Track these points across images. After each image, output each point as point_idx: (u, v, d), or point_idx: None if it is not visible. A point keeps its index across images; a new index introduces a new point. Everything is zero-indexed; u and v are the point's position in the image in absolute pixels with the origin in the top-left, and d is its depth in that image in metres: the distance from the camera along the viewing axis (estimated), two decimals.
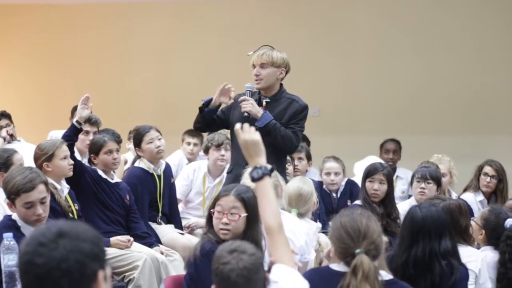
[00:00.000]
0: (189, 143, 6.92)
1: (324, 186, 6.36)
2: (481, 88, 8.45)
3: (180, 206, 5.83)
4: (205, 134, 6.46)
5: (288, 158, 5.48)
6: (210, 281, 2.60)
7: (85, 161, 5.22)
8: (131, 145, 6.20)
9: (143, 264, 4.68)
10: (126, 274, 4.70)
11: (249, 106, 4.78)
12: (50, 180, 4.00)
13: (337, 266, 2.88)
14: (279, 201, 3.68)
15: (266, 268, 2.65)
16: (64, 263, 1.76)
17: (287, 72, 4.96)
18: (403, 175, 7.37)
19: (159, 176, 5.35)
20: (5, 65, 9.09)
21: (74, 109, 6.63)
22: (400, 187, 7.21)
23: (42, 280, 1.76)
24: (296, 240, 3.86)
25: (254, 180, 2.85)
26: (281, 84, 4.98)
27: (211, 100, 4.92)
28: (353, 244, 2.80)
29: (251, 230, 3.44)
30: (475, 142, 8.22)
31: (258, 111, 4.78)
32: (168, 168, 5.50)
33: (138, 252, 4.78)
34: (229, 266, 2.53)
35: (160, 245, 5.10)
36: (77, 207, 4.65)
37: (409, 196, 6.12)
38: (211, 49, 8.73)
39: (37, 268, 1.76)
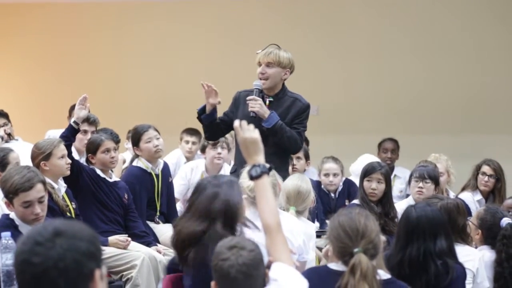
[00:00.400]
0: (187, 142, 6.93)
1: (322, 186, 6.35)
2: (480, 88, 8.46)
3: (178, 205, 5.83)
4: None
5: None
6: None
7: (82, 160, 5.22)
8: (129, 145, 6.20)
9: (141, 263, 4.68)
10: (124, 273, 4.71)
11: (258, 106, 4.75)
12: (47, 179, 3.99)
13: (335, 266, 2.88)
14: (277, 200, 3.67)
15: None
16: (61, 262, 1.76)
17: (291, 73, 4.95)
18: (401, 174, 7.37)
19: (157, 175, 5.35)
20: (1, 65, 9.08)
21: (72, 108, 6.61)
22: (398, 186, 7.22)
23: (38, 279, 1.76)
24: (294, 240, 3.85)
25: (252, 178, 2.85)
26: (283, 83, 4.97)
27: (205, 107, 4.90)
28: (351, 243, 2.80)
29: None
30: (473, 142, 8.22)
31: (266, 112, 4.76)
32: (166, 167, 5.50)
33: (136, 251, 4.78)
34: (228, 262, 2.53)
35: (158, 244, 5.10)
36: (74, 206, 4.65)
37: (407, 195, 6.12)
38: (210, 48, 8.73)
39: (33, 267, 1.76)
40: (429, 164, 5.42)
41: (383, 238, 2.98)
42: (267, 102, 4.87)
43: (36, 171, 3.79)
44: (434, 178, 5.22)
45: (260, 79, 4.86)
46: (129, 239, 4.83)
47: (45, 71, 8.95)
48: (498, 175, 6.04)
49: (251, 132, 2.92)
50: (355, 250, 2.78)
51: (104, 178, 4.99)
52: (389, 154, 7.53)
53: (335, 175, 6.36)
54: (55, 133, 5.41)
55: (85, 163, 5.07)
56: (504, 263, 3.93)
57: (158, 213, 5.39)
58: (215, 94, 4.85)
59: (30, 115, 8.65)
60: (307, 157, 6.43)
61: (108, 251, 4.63)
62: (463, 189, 6.15)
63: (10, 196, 3.66)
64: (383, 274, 2.90)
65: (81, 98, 4.92)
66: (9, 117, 6.41)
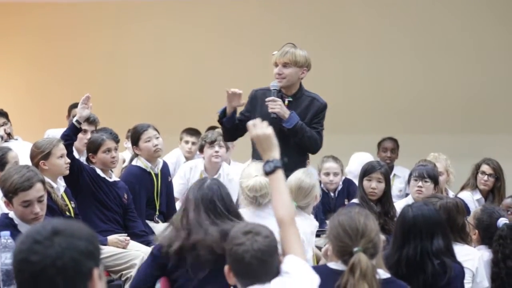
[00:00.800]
0: (187, 142, 6.93)
1: (321, 185, 6.35)
2: (480, 88, 8.45)
3: (178, 205, 5.83)
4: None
5: None
6: None
7: (82, 159, 5.22)
8: (129, 144, 6.20)
9: (140, 262, 4.66)
10: (124, 272, 4.71)
11: (278, 107, 4.74)
12: (46, 179, 3.99)
13: (335, 265, 2.88)
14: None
15: None
16: (60, 260, 1.75)
17: (308, 71, 4.93)
18: (400, 173, 7.37)
19: (156, 175, 5.35)
20: (0, 64, 9.07)
21: (71, 107, 6.63)
22: (397, 185, 7.22)
23: (37, 277, 1.76)
24: None
25: (266, 173, 2.86)
26: (300, 82, 4.96)
27: (225, 109, 4.88)
28: (351, 243, 2.80)
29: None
30: (473, 141, 8.22)
31: (286, 112, 4.75)
32: (165, 166, 5.50)
33: (136, 250, 4.78)
34: (243, 247, 2.56)
35: None
36: (73, 205, 4.65)
37: (407, 195, 6.11)
38: (209, 48, 8.72)
39: (32, 266, 1.76)
40: (428, 164, 5.42)
41: (382, 237, 2.98)
42: (286, 102, 4.85)
43: (36, 170, 3.79)
44: (434, 178, 5.22)
45: (277, 79, 4.84)
46: (128, 238, 4.83)
47: (45, 71, 8.95)
48: (498, 174, 6.04)
49: (264, 129, 2.92)
50: (355, 249, 2.78)
51: (104, 178, 4.99)
52: (389, 153, 7.53)
53: (335, 174, 6.36)
54: (55, 133, 5.41)
55: (85, 163, 5.07)
56: (500, 263, 3.93)
57: (157, 213, 5.39)
58: (238, 97, 4.83)
59: (29, 115, 8.64)
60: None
61: (107, 251, 4.64)
62: (462, 189, 6.16)
63: (9, 196, 3.66)
64: (383, 273, 2.91)
65: (84, 98, 4.92)
66: (9, 116, 6.41)
